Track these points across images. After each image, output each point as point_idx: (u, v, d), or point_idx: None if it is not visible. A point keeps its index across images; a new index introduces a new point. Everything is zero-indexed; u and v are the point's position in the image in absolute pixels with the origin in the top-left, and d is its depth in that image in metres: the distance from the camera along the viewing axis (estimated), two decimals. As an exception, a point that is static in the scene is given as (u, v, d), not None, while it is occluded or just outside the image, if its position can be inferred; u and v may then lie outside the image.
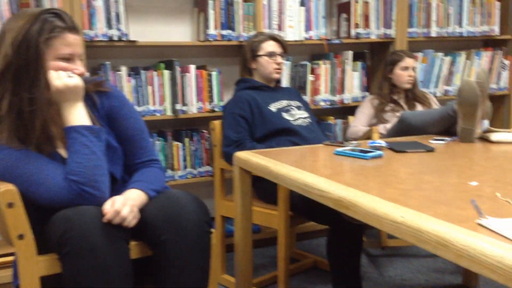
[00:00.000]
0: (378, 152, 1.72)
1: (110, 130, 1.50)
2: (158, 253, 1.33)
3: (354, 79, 3.05)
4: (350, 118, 2.98)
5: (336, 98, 3.01)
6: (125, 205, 1.29)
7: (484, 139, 1.98)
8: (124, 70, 2.55)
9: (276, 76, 2.47)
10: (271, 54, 2.43)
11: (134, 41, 2.54)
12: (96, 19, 2.44)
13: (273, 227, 2.22)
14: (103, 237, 1.25)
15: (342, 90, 3.02)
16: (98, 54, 2.66)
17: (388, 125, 2.73)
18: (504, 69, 3.36)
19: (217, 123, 2.46)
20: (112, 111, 1.51)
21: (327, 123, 3.05)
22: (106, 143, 1.42)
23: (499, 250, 0.83)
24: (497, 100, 3.47)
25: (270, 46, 2.44)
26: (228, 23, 2.68)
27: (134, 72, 2.60)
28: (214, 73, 2.72)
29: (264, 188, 2.27)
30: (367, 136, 2.72)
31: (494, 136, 1.92)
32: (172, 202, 1.35)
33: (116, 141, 1.50)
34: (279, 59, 2.44)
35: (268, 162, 1.69)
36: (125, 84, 2.55)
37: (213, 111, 2.73)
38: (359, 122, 2.86)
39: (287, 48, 2.51)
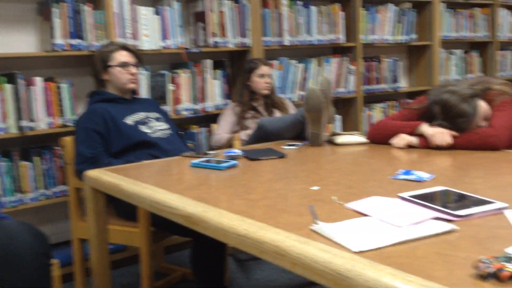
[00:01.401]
0: (233, 162, 1.74)
1: None
2: (-12, 295, 1.19)
3: (215, 87, 3.07)
4: (214, 126, 3.00)
5: (199, 106, 3.01)
6: None
7: (332, 142, 2.13)
8: (-45, 85, 2.26)
9: (131, 86, 2.38)
10: (123, 65, 2.34)
11: (-35, 53, 2.27)
12: None
13: (135, 245, 2.14)
14: None
15: (204, 99, 3.03)
16: None
17: (250, 132, 2.80)
18: (351, 74, 3.66)
19: (68, 140, 2.29)
20: None
21: (191, 132, 3.03)
22: None
23: (327, 255, 0.88)
24: (346, 103, 3.76)
25: (122, 56, 2.35)
26: (77, 32, 2.52)
27: (-32, 87, 2.32)
28: (64, 85, 2.54)
29: (122, 205, 2.16)
30: (231, 143, 2.76)
31: (338, 139, 2.07)
32: (4, 235, 1.21)
33: None
34: (132, 69, 2.36)
35: (119, 180, 1.61)
36: (-42, 101, 2.26)
37: (65, 126, 2.55)
38: (222, 130, 2.89)
39: (141, 58, 2.43)
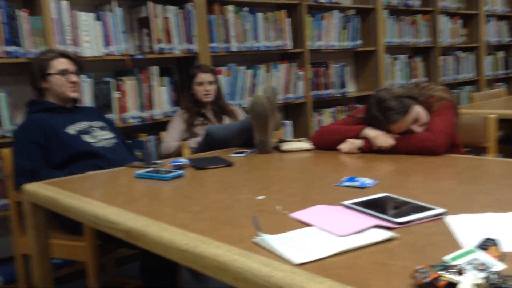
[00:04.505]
0: (179, 172, 1.70)
1: None
2: None
3: (162, 94, 3.02)
4: (162, 133, 2.94)
5: (146, 114, 2.94)
6: None
7: (278, 149, 2.12)
8: None
9: (71, 94, 2.28)
10: (63, 72, 2.25)
11: None
12: None
13: (81, 260, 2.05)
14: None
15: (151, 106, 2.96)
16: None
17: (199, 139, 2.77)
18: (300, 80, 3.69)
19: (6, 152, 2.18)
20: None
21: (139, 141, 2.96)
22: None
23: (267, 269, 0.86)
24: (296, 108, 3.79)
25: (61, 63, 2.25)
26: (13, 38, 2.40)
27: None
28: (1, 94, 2.41)
29: (67, 219, 2.08)
30: (180, 151, 2.71)
31: (283, 146, 2.07)
32: None
33: None
34: (73, 77, 2.27)
35: (57, 194, 1.54)
36: None
37: (4, 137, 2.42)
38: (171, 138, 2.84)
39: (82, 65, 2.35)
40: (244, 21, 3.32)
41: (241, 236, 1.04)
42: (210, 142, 2.28)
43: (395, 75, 4.52)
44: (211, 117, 2.91)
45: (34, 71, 2.25)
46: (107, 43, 2.75)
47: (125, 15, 2.88)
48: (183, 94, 3.10)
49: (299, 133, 3.77)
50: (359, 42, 4.13)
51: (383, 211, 1.10)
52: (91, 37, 2.68)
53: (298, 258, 0.88)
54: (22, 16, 2.43)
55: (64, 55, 2.28)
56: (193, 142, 2.79)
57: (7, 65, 2.57)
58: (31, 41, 2.46)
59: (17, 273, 2.29)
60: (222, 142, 2.25)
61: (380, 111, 1.83)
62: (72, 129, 2.21)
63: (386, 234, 0.97)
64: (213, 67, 3.03)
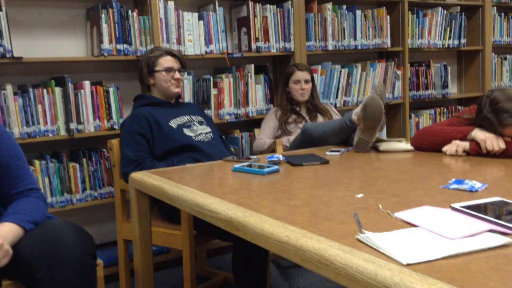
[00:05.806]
0: (275, 167, 1.72)
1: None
2: (34, 292, 1.21)
3: (257, 91, 3.06)
4: (256, 130, 2.98)
5: (241, 111, 3.01)
6: (-6, 243, 1.16)
7: (375, 148, 2.06)
8: (9, 89, 2.35)
9: (175, 90, 2.40)
10: (168, 70, 2.37)
11: (19, 58, 2.36)
12: (-26, 34, 2.23)
13: (177, 248, 2.15)
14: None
15: (246, 103, 3.02)
16: (-21, 72, 2.43)
17: (292, 137, 2.77)
18: (397, 79, 3.56)
19: (114, 142, 2.34)
20: (-20, 138, 1.36)
21: (233, 137, 3.03)
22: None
23: (373, 267, 0.84)
24: (393, 108, 3.66)
25: (167, 61, 2.38)
26: (123, 37, 2.58)
27: (21, 90, 2.41)
28: (111, 89, 2.60)
29: (167, 207, 2.19)
30: (273, 148, 2.74)
31: (381, 146, 2.00)
32: (50, 234, 1.24)
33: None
34: (177, 74, 2.38)
35: (162, 182, 1.62)
36: (12, 104, 2.35)
37: (112, 128, 2.61)
38: (264, 135, 2.87)
39: (185, 63, 2.46)
40: (342, 19, 3.27)
41: (342, 232, 1.03)
42: (307, 139, 2.27)
43: (502, 76, 4.20)
44: (304, 115, 2.91)
45: (142, 68, 2.39)
46: (208, 42, 2.85)
47: (225, 15, 2.97)
48: (278, 92, 3.12)
49: (393, 135, 3.64)
50: (463, 40, 3.90)
51: (497, 216, 1.03)
52: (194, 36, 2.80)
53: (407, 258, 0.85)
54: (133, 16, 2.60)
55: (170, 53, 2.40)
56: (286, 140, 2.80)
57: (117, 62, 2.76)
58: (140, 40, 2.62)
59: (119, 256, 2.45)
60: (319, 140, 2.23)
61: (493, 113, 1.71)
62: (173, 123, 2.33)
63: (503, 240, 0.90)
64: (309, 66, 3.03)
